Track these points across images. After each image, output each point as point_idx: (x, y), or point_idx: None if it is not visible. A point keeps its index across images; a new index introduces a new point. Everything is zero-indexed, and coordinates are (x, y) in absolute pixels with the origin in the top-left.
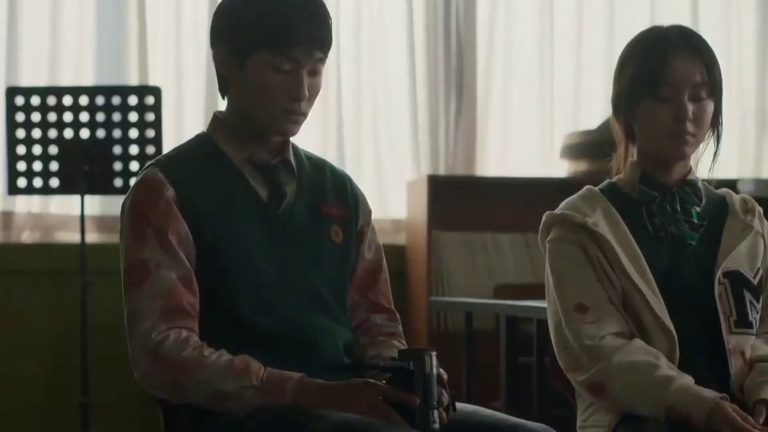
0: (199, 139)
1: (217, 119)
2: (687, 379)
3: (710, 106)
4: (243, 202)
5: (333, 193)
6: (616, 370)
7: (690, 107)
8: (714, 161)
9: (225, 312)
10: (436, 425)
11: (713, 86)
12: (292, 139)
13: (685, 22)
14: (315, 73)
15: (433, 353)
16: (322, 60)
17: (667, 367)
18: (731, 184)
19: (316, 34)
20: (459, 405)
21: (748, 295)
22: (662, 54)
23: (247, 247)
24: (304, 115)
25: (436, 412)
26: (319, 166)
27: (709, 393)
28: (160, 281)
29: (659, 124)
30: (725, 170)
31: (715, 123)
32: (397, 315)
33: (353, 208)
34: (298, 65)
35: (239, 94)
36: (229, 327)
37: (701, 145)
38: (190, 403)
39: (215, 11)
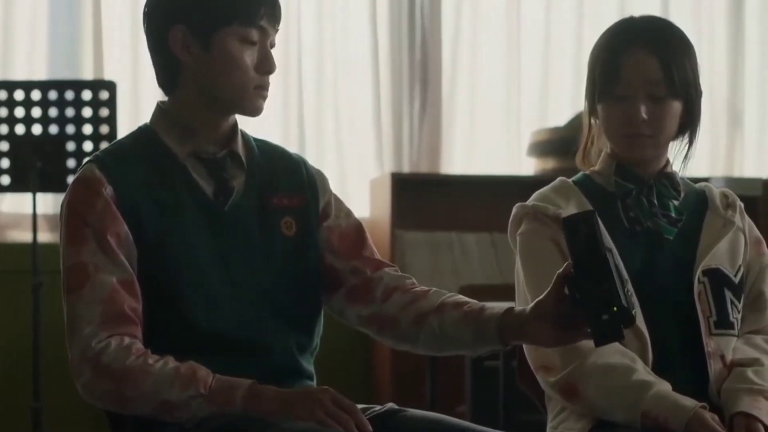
0: (141, 132)
1: (161, 110)
2: (665, 385)
3: (673, 107)
4: (187, 199)
5: (286, 182)
6: (591, 371)
7: (644, 107)
8: (684, 163)
9: (170, 316)
10: (634, 308)
11: (674, 84)
12: (244, 128)
13: None
14: (273, 46)
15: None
16: (277, 32)
17: (644, 371)
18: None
19: (277, 4)
20: (423, 413)
21: (728, 295)
22: (617, 51)
23: (192, 247)
24: (268, 91)
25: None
26: (270, 154)
27: (688, 401)
28: (100, 285)
29: (613, 126)
30: (696, 169)
31: (689, 123)
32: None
33: (310, 192)
34: (264, 36)
35: (203, 78)
36: (175, 332)
37: (673, 144)
38: (136, 414)
39: None
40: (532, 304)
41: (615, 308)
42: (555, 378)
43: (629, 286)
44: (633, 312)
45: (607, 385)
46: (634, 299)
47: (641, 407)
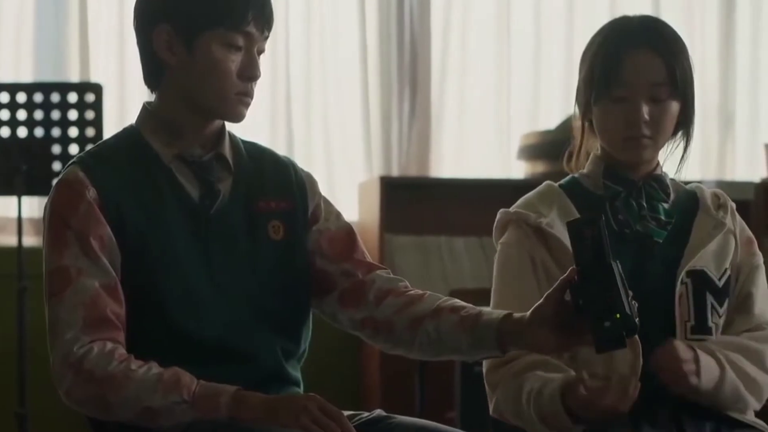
0: (127, 132)
1: (146, 111)
2: (546, 384)
3: (673, 107)
4: (172, 202)
5: (274, 185)
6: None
7: (646, 109)
8: (681, 163)
9: (154, 321)
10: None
11: (676, 85)
12: (232, 131)
13: None
14: (261, 52)
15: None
16: (267, 39)
17: (534, 380)
18: None
19: (267, 10)
20: (411, 419)
21: (710, 299)
22: (617, 51)
23: (176, 251)
24: (253, 98)
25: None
26: (258, 157)
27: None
28: (82, 290)
29: (612, 127)
30: (688, 172)
31: (685, 123)
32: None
33: (299, 195)
34: (250, 42)
35: (184, 79)
36: (159, 337)
37: (668, 145)
38: (118, 420)
39: None
40: (531, 310)
41: (618, 315)
42: (492, 406)
43: (632, 295)
44: (636, 320)
45: (517, 411)
46: (637, 309)
47: (539, 417)
